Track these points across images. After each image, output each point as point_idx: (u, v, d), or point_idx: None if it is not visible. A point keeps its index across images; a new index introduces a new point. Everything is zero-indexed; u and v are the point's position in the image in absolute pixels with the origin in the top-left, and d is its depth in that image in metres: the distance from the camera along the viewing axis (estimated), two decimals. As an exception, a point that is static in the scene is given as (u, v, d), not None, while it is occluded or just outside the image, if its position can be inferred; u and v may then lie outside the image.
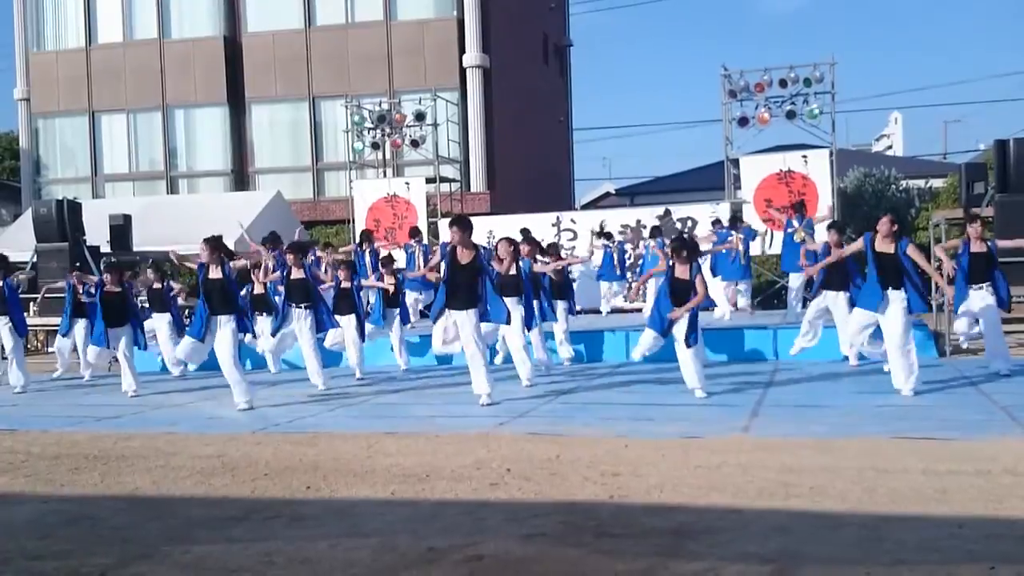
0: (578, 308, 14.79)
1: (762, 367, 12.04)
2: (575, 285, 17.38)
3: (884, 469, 6.15)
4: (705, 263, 13.85)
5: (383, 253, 15.44)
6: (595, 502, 5.66)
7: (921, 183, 23.78)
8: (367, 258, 15.93)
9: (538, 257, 12.19)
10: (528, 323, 10.97)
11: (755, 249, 15.70)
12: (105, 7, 26.77)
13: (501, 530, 5.13)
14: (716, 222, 15.64)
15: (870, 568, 4.30)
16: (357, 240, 17.08)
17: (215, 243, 10.17)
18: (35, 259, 17.67)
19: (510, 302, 10.62)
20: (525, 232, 16.11)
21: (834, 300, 10.97)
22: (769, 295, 18.08)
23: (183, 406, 10.36)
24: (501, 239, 11.21)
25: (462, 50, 24.62)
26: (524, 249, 11.34)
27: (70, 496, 6.45)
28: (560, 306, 12.55)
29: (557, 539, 4.95)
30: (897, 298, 9.15)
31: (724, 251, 14.49)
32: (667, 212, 17.91)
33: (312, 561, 4.70)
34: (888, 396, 9.20)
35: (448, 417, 9.21)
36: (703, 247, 14.58)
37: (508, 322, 10.08)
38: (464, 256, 9.42)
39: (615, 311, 16.52)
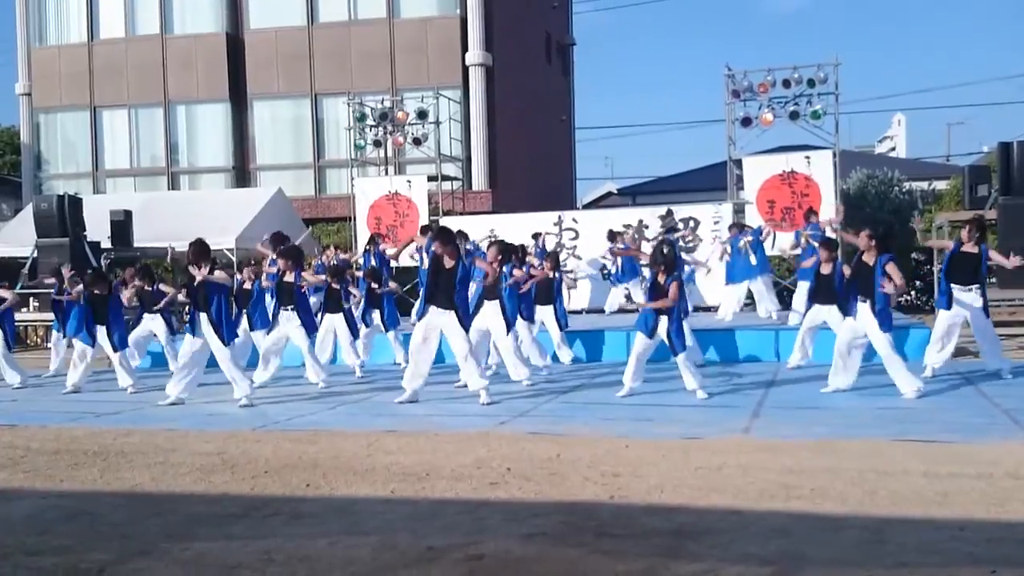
0: (574, 308, 14.93)
1: (763, 368, 12.03)
2: (586, 281, 17.55)
3: (885, 471, 6.14)
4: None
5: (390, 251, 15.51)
6: (595, 502, 5.65)
7: (924, 185, 23.77)
8: (372, 260, 15.97)
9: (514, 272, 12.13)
10: (511, 327, 11.02)
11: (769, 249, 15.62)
12: (107, 2, 26.77)
13: (501, 529, 5.12)
14: (733, 226, 15.46)
15: (871, 571, 4.29)
16: (366, 242, 17.10)
17: (195, 249, 10.31)
18: (35, 254, 17.66)
19: (491, 305, 10.73)
20: (536, 236, 16.25)
21: (827, 313, 11.02)
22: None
23: (183, 402, 10.34)
24: (491, 243, 11.41)
25: (465, 48, 24.62)
26: (491, 254, 11.37)
27: (69, 492, 6.44)
28: (548, 311, 12.58)
29: (557, 539, 4.93)
30: (865, 310, 9.33)
31: (731, 255, 14.54)
32: (669, 212, 17.90)
33: (312, 559, 4.69)
34: (889, 398, 9.20)
35: (448, 416, 9.20)
36: (717, 252, 14.70)
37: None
38: (448, 263, 9.81)
39: (620, 311, 16.47)
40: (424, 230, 16.59)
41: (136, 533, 5.30)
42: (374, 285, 13.30)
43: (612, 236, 16.27)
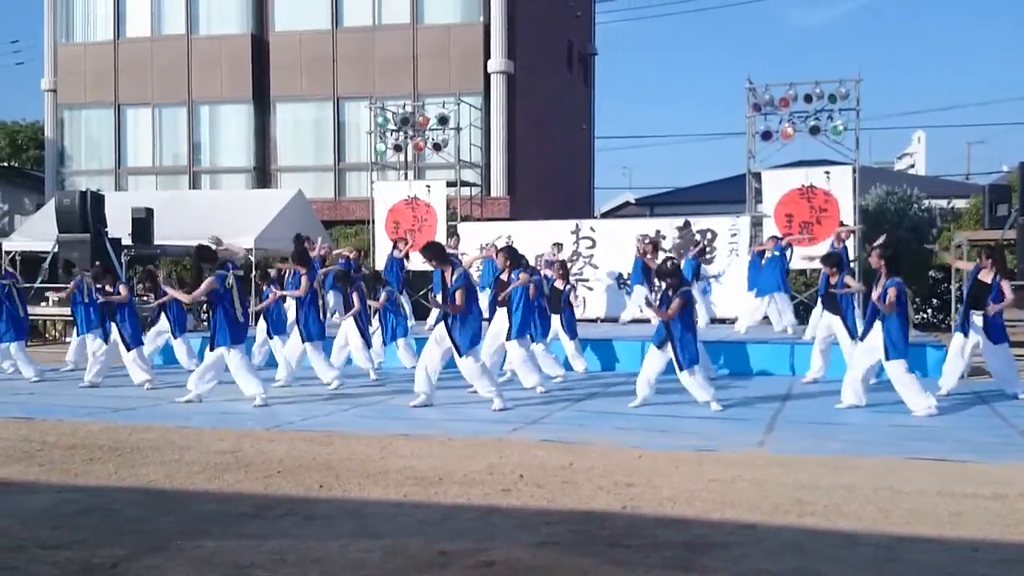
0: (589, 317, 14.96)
1: (778, 382, 11.99)
2: (602, 291, 17.57)
3: (899, 489, 6.11)
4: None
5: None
6: (608, 512, 5.65)
7: (943, 203, 23.64)
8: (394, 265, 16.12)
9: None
10: (522, 334, 10.99)
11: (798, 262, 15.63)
12: (134, 2, 26.98)
13: (512, 536, 5.13)
14: (772, 238, 15.42)
15: (884, 589, 4.28)
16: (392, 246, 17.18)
17: (198, 254, 10.57)
18: (56, 249, 17.78)
19: (503, 312, 10.73)
20: (557, 246, 16.29)
21: (838, 324, 11.13)
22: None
23: (200, 400, 10.39)
24: (499, 249, 11.41)
25: (487, 55, 24.68)
26: (500, 260, 11.30)
27: (84, 486, 6.48)
28: (557, 320, 12.56)
29: (569, 547, 4.94)
30: (877, 330, 9.41)
31: (752, 265, 14.56)
32: (687, 224, 17.86)
33: (323, 561, 4.70)
34: (904, 415, 9.16)
35: (461, 421, 9.21)
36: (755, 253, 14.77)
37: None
38: (447, 275, 9.85)
39: (635, 321, 16.44)
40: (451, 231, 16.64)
41: (150, 529, 5.33)
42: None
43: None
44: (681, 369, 9.58)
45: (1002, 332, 10.41)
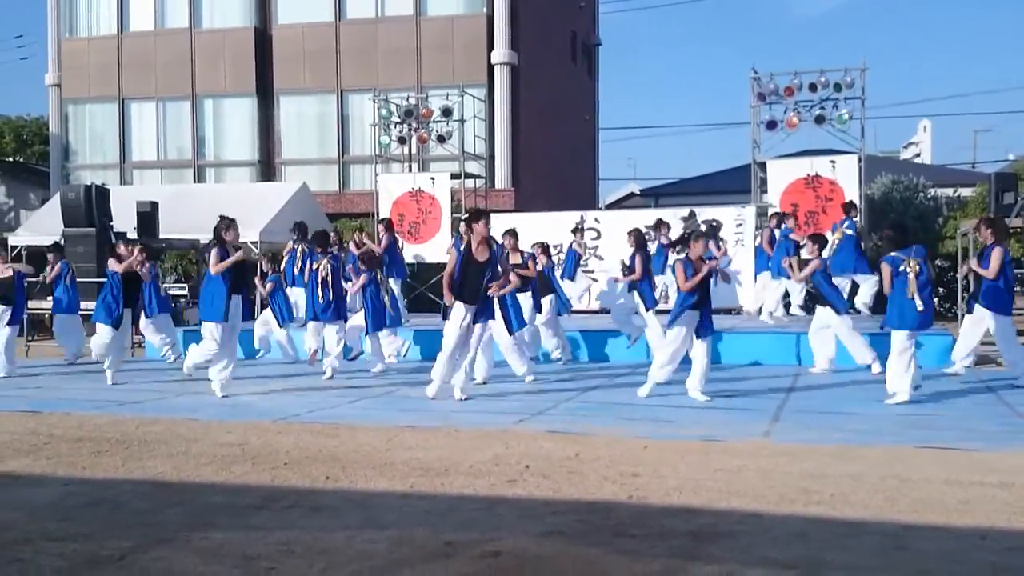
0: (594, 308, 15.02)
1: (785, 371, 11.96)
2: (607, 282, 17.55)
3: (906, 478, 6.10)
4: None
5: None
6: (613, 502, 5.65)
7: (950, 191, 23.54)
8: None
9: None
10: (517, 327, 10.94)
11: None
12: (138, -5, 27.01)
13: (518, 527, 5.13)
14: (774, 215, 15.38)
15: (891, 577, 4.27)
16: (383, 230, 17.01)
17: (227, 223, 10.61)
18: (62, 243, 17.79)
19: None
20: (579, 232, 16.26)
21: (828, 313, 11.14)
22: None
23: (204, 393, 10.42)
24: (505, 232, 11.45)
25: (491, 47, 24.64)
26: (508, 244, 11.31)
27: (91, 479, 6.50)
28: (548, 301, 12.51)
29: (575, 537, 4.94)
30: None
31: (759, 252, 14.59)
32: (692, 214, 17.82)
33: (329, 552, 4.71)
34: (911, 405, 9.12)
35: (467, 412, 9.20)
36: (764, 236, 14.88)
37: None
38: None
39: (660, 312, 16.33)
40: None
41: (157, 521, 5.34)
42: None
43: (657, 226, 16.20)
44: (700, 337, 9.61)
45: (997, 301, 10.22)
